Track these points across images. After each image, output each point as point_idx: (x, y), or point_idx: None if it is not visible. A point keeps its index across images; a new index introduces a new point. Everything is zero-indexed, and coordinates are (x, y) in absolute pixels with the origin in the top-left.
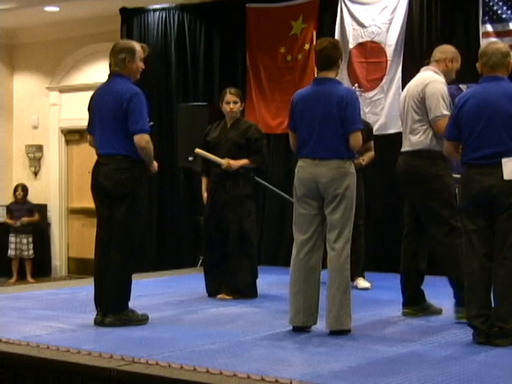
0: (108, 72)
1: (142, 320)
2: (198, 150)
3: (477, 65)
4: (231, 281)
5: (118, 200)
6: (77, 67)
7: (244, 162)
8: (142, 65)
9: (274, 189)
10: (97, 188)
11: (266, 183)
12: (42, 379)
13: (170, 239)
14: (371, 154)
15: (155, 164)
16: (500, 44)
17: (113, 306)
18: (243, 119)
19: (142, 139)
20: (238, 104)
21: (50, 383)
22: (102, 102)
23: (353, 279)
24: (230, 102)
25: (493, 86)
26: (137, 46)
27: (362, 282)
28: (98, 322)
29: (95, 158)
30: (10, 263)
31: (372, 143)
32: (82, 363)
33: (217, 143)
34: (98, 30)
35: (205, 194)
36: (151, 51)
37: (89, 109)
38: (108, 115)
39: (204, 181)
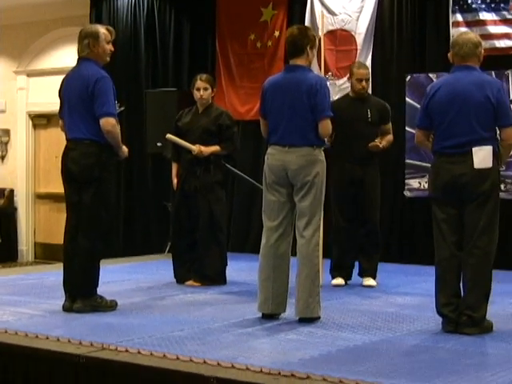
0: (76, 57)
1: (110, 306)
2: (169, 136)
3: (448, 54)
4: (200, 267)
5: (85, 185)
6: (45, 51)
7: (215, 148)
8: (109, 47)
9: (244, 176)
10: (65, 173)
11: (236, 170)
12: (9, 365)
13: (138, 225)
14: (389, 137)
15: (124, 148)
16: (471, 34)
17: (81, 292)
18: (215, 105)
19: (108, 123)
20: (209, 90)
21: (18, 369)
22: (70, 86)
23: (361, 275)
24: (201, 89)
25: (464, 76)
26: (101, 29)
27: (369, 281)
28: (67, 308)
29: (63, 142)
30: None
31: (389, 126)
32: (51, 349)
33: (188, 129)
34: (66, 14)
35: (175, 180)
36: (120, 36)
37: (59, 94)
38: (75, 100)
39: (174, 166)
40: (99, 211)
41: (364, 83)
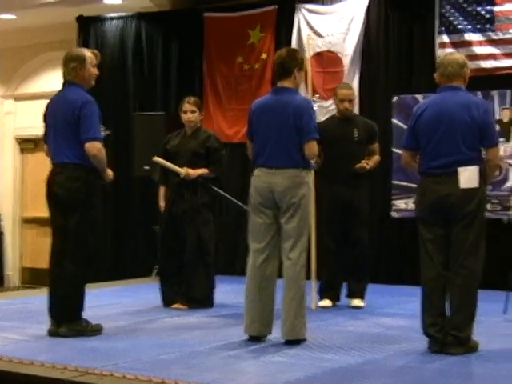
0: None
1: (95, 330)
2: (156, 158)
3: (435, 75)
4: (187, 290)
5: (71, 209)
6: (33, 75)
7: (203, 171)
8: (95, 71)
9: (232, 198)
10: (51, 197)
11: (223, 192)
12: None
13: (126, 248)
14: (376, 157)
15: (109, 172)
16: (457, 54)
17: (66, 317)
18: (203, 128)
19: (93, 147)
20: (196, 113)
21: None
22: (55, 111)
23: (349, 296)
24: (187, 112)
25: (450, 96)
26: (87, 53)
27: (356, 302)
28: (52, 333)
29: (50, 167)
30: None
31: (377, 146)
32: (35, 374)
33: (176, 152)
34: (54, 38)
35: (162, 203)
36: (108, 60)
37: (44, 118)
38: (61, 124)
39: (162, 189)
40: (86, 235)
41: (347, 104)
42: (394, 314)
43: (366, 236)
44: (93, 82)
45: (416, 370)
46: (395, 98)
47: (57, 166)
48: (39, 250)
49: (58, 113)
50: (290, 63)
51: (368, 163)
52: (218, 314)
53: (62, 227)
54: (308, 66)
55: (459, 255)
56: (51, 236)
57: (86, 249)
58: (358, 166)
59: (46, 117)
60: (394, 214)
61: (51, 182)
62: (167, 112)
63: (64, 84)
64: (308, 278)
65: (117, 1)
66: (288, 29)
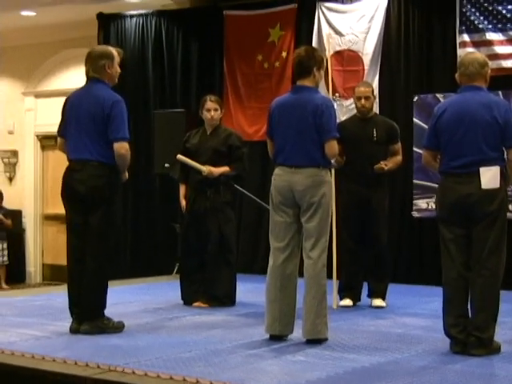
0: (84, 78)
1: (117, 327)
2: (179, 156)
3: (456, 75)
4: (209, 288)
5: (94, 206)
6: (53, 72)
7: (225, 169)
8: (119, 69)
9: (253, 196)
10: (69, 194)
11: (244, 191)
12: None
13: (146, 246)
14: (397, 158)
15: (126, 172)
16: (478, 54)
17: (89, 314)
18: (223, 126)
19: (123, 147)
20: (219, 111)
21: None
22: (80, 106)
23: (370, 296)
24: (211, 110)
25: (471, 96)
26: (114, 51)
27: (378, 302)
28: (74, 330)
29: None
30: None
31: (398, 146)
32: (57, 371)
33: (197, 150)
34: (74, 35)
35: (183, 202)
36: (128, 57)
37: (63, 112)
38: (86, 120)
39: (182, 188)
40: (107, 232)
41: (363, 101)
42: (416, 314)
43: (386, 236)
44: (116, 81)
45: (438, 370)
46: (416, 98)
47: (76, 162)
48: (60, 246)
49: (83, 108)
50: (309, 62)
51: (387, 164)
52: (239, 312)
53: (81, 224)
54: (328, 64)
55: (480, 256)
56: (67, 233)
57: (107, 246)
58: (376, 166)
59: (67, 111)
60: (415, 214)
61: (70, 179)
62: (187, 110)
63: (88, 80)
64: (329, 277)
65: None
66: (308, 27)
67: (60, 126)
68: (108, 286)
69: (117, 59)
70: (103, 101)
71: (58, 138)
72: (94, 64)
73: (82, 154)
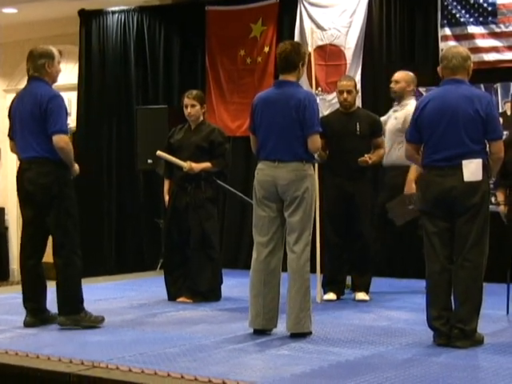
0: (66, 75)
1: (95, 321)
2: (159, 152)
3: (438, 68)
4: (192, 284)
5: (47, 205)
6: None
7: (206, 165)
8: (60, 68)
9: (235, 191)
10: (21, 193)
11: (227, 186)
12: None
13: (130, 242)
14: (381, 151)
15: (76, 166)
16: (460, 48)
17: (67, 309)
18: (207, 122)
19: (61, 140)
20: (197, 107)
21: None
22: (21, 106)
23: (354, 290)
24: (188, 106)
25: (453, 89)
26: (55, 50)
27: (361, 295)
28: (27, 324)
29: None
30: None
31: (382, 139)
32: (41, 368)
33: (180, 146)
34: (56, 32)
35: (166, 197)
36: (110, 53)
37: (9, 114)
38: (28, 119)
39: (166, 183)
40: (66, 227)
41: (345, 95)
42: (399, 307)
43: (369, 229)
44: (57, 80)
45: (422, 363)
46: None
47: (25, 161)
48: None
49: (24, 108)
50: (296, 57)
51: (371, 157)
52: (223, 307)
53: (34, 223)
54: (311, 59)
55: (463, 248)
56: (24, 231)
57: (69, 241)
58: (360, 159)
59: (11, 113)
60: None
61: (21, 179)
62: (170, 105)
63: (29, 80)
64: (313, 271)
65: None
66: (290, 22)
67: (9, 128)
68: (81, 279)
69: (58, 58)
70: (40, 98)
71: (9, 141)
72: (35, 63)
73: (28, 152)
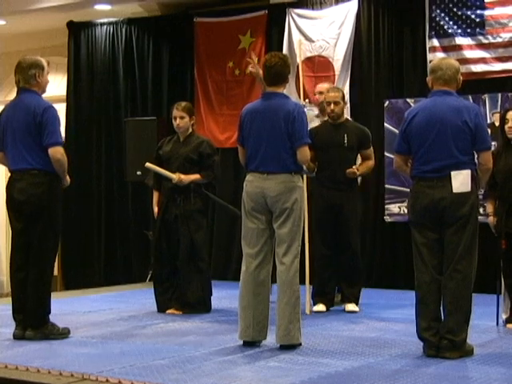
0: (55, 87)
1: (62, 333)
2: (148, 164)
3: (427, 79)
4: (181, 295)
5: (35, 215)
6: None
7: (195, 176)
8: (48, 79)
9: (224, 203)
10: (11, 203)
11: (216, 197)
12: None
13: (120, 254)
14: (370, 163)
15: (68, 178)
16: (451, 59)
17: (34, 321)
18: (196, 134)
19: (57, 151)
20: (186, 119)
21: None
22: (13, 117)
23: (343, 301)
24: (177, 118)
25: (441, 100)
26: (43, 60)
27: (351, 306)
28: (17, 336)
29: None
30: None
31: (370, 151)
32: (31, 381)
33: (169, 157)
34: (45, 43)
35: (156, 208)
36: (99, 65)
37: None
38: (20, 131)
39: (155, 195)
40: (49, 240)
41: (332, 106)
42: (389, 318)
43: (358, 241)
44: (46, 90)
45: (411, 374)
46: (386, 103)
47: (16, 172)
48: None
49: (17, 119)
50: (285, 70)
51: (358, 169)
52: (213, 319)
53: (24, 234)
54: (299, 70)
55: (452, 259)
56: (11, 242)
57: (49, 254)
58: (348, 171)
59: (2, 123)
60: (387, 219)
61: (11, 189)
62: (158, 117)
63: (19, 91)
64: (302, 282)
65: (107, 6)
66: (279, 34)
67: None
68: (51, 293)
69: (46, 69)
70: (34, 109)
71: None
72: (24, 73)
73: (20, 164)
